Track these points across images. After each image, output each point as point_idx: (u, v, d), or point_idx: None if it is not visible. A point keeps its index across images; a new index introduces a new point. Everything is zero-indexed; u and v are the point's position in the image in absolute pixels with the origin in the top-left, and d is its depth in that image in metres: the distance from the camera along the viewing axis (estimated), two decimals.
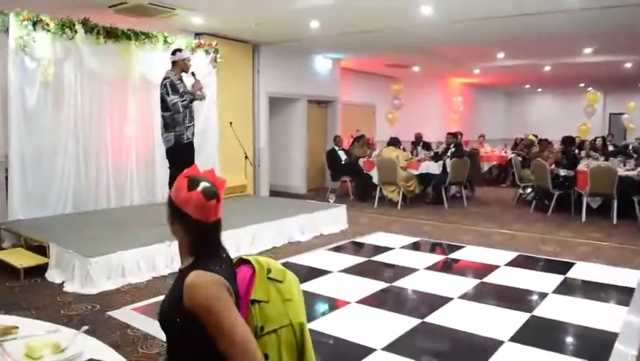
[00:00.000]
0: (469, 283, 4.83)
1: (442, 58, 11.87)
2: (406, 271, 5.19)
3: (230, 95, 9.15)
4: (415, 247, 6.37)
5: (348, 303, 4.25)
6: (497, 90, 19.92)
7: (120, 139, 7.31)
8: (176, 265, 4.94)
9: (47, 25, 6.29)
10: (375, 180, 9.73)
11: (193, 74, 5.87)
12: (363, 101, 14.08)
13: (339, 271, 5.17)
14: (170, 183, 5.79)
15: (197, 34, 8.51)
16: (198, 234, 1.66)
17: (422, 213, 8.79)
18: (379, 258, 5.74)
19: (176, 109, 5.63)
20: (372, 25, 8.07)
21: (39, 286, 4.74)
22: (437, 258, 5.80)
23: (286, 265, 5.66)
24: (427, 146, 11.43)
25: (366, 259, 5.69)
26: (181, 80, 5.80)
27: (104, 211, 6.93)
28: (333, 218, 7.33)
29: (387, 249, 6.16)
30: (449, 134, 10.08)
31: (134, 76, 7.26)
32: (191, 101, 5.75)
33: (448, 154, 9.75)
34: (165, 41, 7.57)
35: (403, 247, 6.25)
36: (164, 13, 7.03)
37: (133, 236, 5.42)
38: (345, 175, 10.49)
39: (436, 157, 10.03)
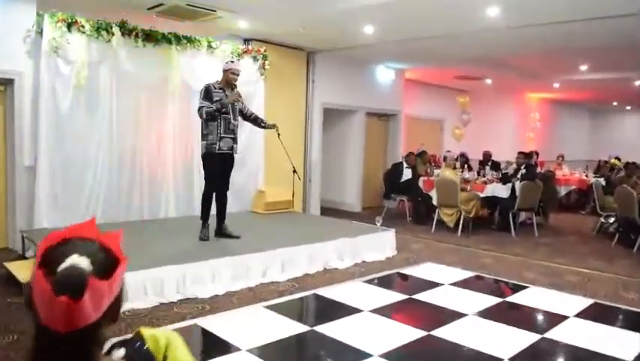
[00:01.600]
0: (527, 338, 3.94)
1: (517, 69, 10.82)
2: (450, 316, 4.36)
3: (280, 104, 8.63)
4: (468, 284, 5.48)
5: (370, 357, 3.50)
6: (580, 107, 18.28)
7: (156, 147, 6.94)
8: (190, 290, 4.40)
9: (82, 26, 6.03)
10: (435, 201, 8.88)
11: (233, 87, 5.58)
12: (429, 116, 13.21)
13: (371, 311, 4.42)
14: (205, 191, 5.70)
15: (247, 40, 8.07)
16: (39, 347, 0.94)
17: (484, 242, 7.84)
18: (422, 296, 4.92)
19: (200, 114, 5.41)
20: (434, 30, 7.29)
21: None
22: (493, 301, 4.90)
23: (313, 297, 5.12)
24: (495, 166, 10.40)
25: (407, 296, 4.89)
26: (223, 90, 5.52)
27: (134, 223, 6.55)
28: (380, 243, 6.58)
29: (434, 285, 5.34)
30: (520, 153, 9.03)
31: (173, 82, 6.88)
32: (217, 111, 5.38)
33: (518, 176, 8.74)
34: (209, 46, 7.17)
35: (453, 284, 5.40)
36: (206, 16, 6.60)
37: (150, 254, 4.96)
38: (402, 194, 9.67)
39: (505, 179, 9.03)
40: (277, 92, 8.53)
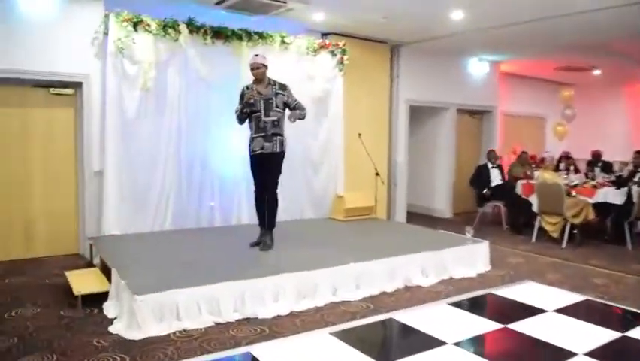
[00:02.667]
0: None
1: (633, 57, 9.46)
2: (555, 356, 3.54)
3: (360, 102, 8.04)
4: (577, 311, 4.55)
5: None
6: None
7: (227, 150, 6.56)
8: (249, 309, 3.92)
9: (149, 25, 5.77)
10: (535, 208, 7.87)
11: (270, 82, 5.34)
12: (529, 112, 12.00)
13: (456, 344, 3.69)
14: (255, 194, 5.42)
15: (324, 34, 7.53)
16: None
17: (594, 256, 6.76)
18: (521, 326, 4.09)
19: (236, 119, 5.30)
20: (532, 12, 6.36)
21: (90, 320, 4.04)
22: (609, 335, 3.97)
23: (388, 323, 4.08)
24: (607, 167, 9.14)
25: (501, 326, 4.09)
26: (255, 87, 5.24)
27: (204, 231, 6.22)
28: (470, 257, 5.78)
29: (535, 311, 4.48)
30: (638, 153, 7.78)
31: (245, 81, 6.44)
32: (242, 112, 5.20)
33: (636, 179, 7.52)
34: (283, 41, 6.71)
35: (559, 311, 4.50)
36: (277, 9, 6.14)
37: (209, 266, 4.56)
38: (497, 199, 8.71)
39: (619, 182, 7.82)
40: (357, 90, 7.92)
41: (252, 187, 6.73)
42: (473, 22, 6.84)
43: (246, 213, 6.70)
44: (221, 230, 6.30)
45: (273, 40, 6.59)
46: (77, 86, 5.84)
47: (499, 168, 9.07)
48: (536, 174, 8.72)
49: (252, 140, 5.21)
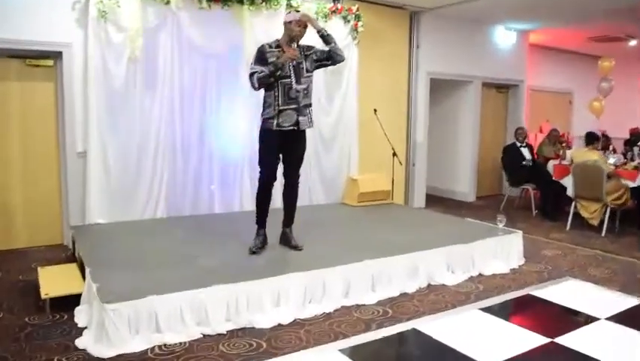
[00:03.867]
0: None
1: None
2: None
3: (376, 74, 7.27)
4: (635, 320, 3.84)
5: None
6: None
7: (228, 128, 5.88)
8: (244, 318, 3.24)
9: None
10: (570, 192, 7.10)
11: (295, 41, 4.21)
12: (555, 87, 11.10)
13: None
14: (258, 184, 4.38)
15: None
16: None
17: (636, 246, 6.04)
18: (571, 341, 3.38)
19: (251, 83, 4.15)
20: None
21: (57, 329, 3.42)
22: None
23: (408, 335, 2.97)
24: None
25: (547, 340, 3.37)
26: (281, 50, 4.13)
27: (202, 218, 5.58)
28: (502, 250, 5.06)
29: (586, 319, 3.76)
30: None
31: (247, 49, 5.73)
32: (271, 75, 4.05)
33: None
34: (289, 5, 5.95)
35: (612, 318, 3.78)
36: None
37: (200, 264, 3.91)
38: (528, 182, 7.94)
39: None
40: (373, 60, 7.16)
41: (257, 169, 6.15)
42: None
43: (250, 199, 6.03)
44: (220, 218, 5.65)
45: (278, 3, 5.84)
46: (57, 56, 5.17)
47: (529, 147, 8.28)
48: (568, 153, 7.94)
49: (280, 113, 4.12)
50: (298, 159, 4.40)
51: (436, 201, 8.64)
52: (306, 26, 4.16)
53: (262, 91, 4.23)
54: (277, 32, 5.78)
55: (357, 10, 6.53)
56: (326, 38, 4.23)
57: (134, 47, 5.11)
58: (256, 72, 4.06)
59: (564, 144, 8.77)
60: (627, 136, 9.81)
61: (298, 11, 4.43)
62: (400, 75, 7.73)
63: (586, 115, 11.86)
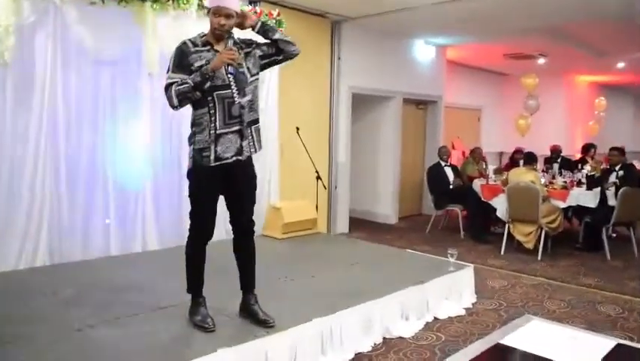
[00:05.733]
0: None
1: (583, 44, 8.68)
2: None
3: (298, 89, 6.53)
4: None
5: None
6: (625, 91, 15.91)
7: (128, 150, 4.84)
8: None
9: None
10: (500, 213, 6.77)
11: (231, 37, 3.07)
12: (466, 103, 11.04)
13: None
14: (188, 240, 3.14)
15: (253, 1, 5.93)
16: None
17: (579, 271, 5.79)
18: None
19: (168, 99, 2.95)
20: None
21: None
22: None
23: None
24: (569, 164, 8.25)
25: None
26: (211, 48, 3.00)
27: (95, 264, 4.46)
28: (454, 287, 4.48)
29: None
30: (614, 149, 6.85)
31: (150, 56, 4.75)
32: (197, 88, 2.87)
33: (613, 180, 6.61)
34: (201, 5, 5.03)
35: None
36: None
37: (91, 338, 2.88)
38: (454, 203, 7.55)
39: (591, 183, 6.90)
40: (294, 73, 6.38)
41: (165, 200, 5.14)
42: None
43: (155, 236, 5.02)
44: (118, 262, 4.55)
45: (187, 2, 4.90)
46: None
47: (453, 167, 7.94)
48: (490, 172, 7.67)
49: (216, 139, 2.95)
50: (248, 197, 3.19)
51: (358, 224, 8.03)
52: (229, 16, 2.95)
53: (180, 112, 3.18)
54: (188, 36, 4.94)
55: (279, 15, 5.75)
56: (267, 27, 3.12)
57: (2, 48, 3.95)
58: (175, 83, 2.92)
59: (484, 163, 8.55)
60: (538, 152, 9.79)
61: None
62: (322, 90, 7.05)
63: (491, 131, 12.02)
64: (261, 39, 3.18)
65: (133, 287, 3.79)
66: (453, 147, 10.19)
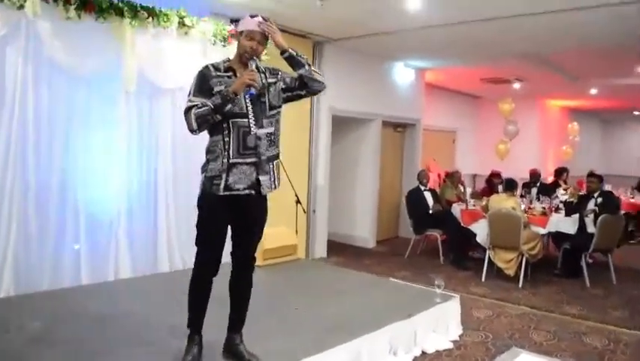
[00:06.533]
0: None
1: (558, 69, 8.81)
2: None
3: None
4: None
5: None
6: (592, 116, 16.29)
7: (101, 173, 4.60)
8: None
9: None
10: (479, 238, 6.71)
11: (254, 61, 2.88)
12: (441, 125, 11.06)
13: None
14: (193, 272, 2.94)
15: (234, 21, 5.77)
16: None
17: (561, 300, 5.78)
18: None
19: (187, 122, 2.80)
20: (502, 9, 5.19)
21: None
22: None
23: None
24: (546, 189, 8.28)
25: None
26: (233, 74, 2.89)
27: (65, 295, 4.18)
28: (441, 318, 4.35)
29: None
30: (593, 176, 6.86)
31: (128, 75, 4.55)
32: (217, 111, 2.73)
33: (592, 207, 6.62)
34: (182, 23, 4.89)
35: None
36: None
37: None
38: (434, 228, 7.46)
39: (569, 209, 6.91)
40: None
41: (140, 225, 4.90)
42: (431, 14, 5.51)
43: (128, 263, 4.76)
44: (90, 292, 4.28)
45: (168, 20, 4.73)
46: None
47: (432, 191, 7.88)
48: (485, 200, 7.62)
49: (230, 169, 2.81)
50: (255, 234, 3.05)
51: (336, 248, 7.86)
52: (265, 39, 2.88)
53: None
54: (167, 55, 4.78)
55: None
56: (295, 59, 2.94)
57: None
58: (195, 106, 2.77)
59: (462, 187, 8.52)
60: (512, 175, 9.80)
61: (255, 16, 2.88)
62: (302, 111, 6.92)
63: (468, 154, 12.09)
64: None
65: (107, 320, 3.56)
66: (429, 170, 10.18)
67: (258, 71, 2.89)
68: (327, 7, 5.21)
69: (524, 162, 10.70)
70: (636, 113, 15.58)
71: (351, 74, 7.55)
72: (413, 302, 4.33)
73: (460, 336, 4.45)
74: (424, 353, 4.02)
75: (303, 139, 6.98)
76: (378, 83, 8.14)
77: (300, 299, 4.36)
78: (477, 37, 6.57)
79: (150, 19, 4.60)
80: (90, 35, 4.29)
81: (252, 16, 2.86)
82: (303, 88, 2.99)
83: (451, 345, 4.23)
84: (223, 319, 3.07)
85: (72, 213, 4.43)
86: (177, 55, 4.82)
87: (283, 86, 2.99)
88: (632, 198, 10.24)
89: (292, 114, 6.66)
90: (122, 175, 4.70)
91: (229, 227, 2.96)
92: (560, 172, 10.09)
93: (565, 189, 8.87)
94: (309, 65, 2.97)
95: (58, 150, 4.34)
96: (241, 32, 2.88)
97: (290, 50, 2.94)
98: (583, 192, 8.10)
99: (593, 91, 10.92)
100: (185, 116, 2.81)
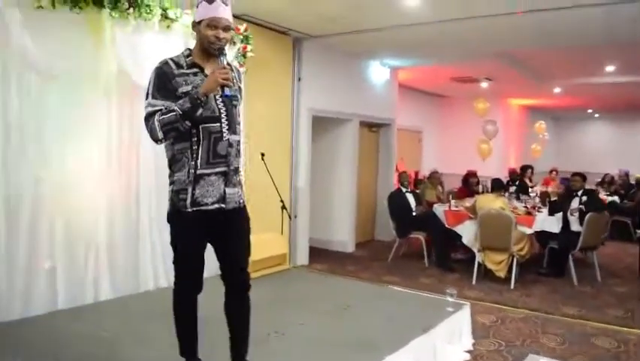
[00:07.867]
0: None
1: (527, 68, 8.86)
2: None
3: (262, 111, 6.03)
4: None
5: None
6: (544, 114, 16.65)
7: (77, 181, 4.11)
8: None
9: None
10: (466, 240, 6.58)
11: (221, 51, 2.47)
12: (408, 125, 10.94)
13: None
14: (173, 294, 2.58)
15: None
16: None
17: (554, 299, 5.75)
18: None
19: (150, 131, 2.41)
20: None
21: None
22: None
23: None
24: (525, 189, 8.26)
25: None
26: (198, 70, 2.51)
27: (38, 322, 3.68)
28: (454, 329, 4.12)
29: None
30: (577, 175, 6.84)
31: (106, 71, 4.09)
32: (187, 115, 2.35)
33: (576, 206, 6.59)
34: (165, 16, 4.45)
35: None
36: None
37: None
38: (418, 230, 7.26)
39: (553, 208, 6.87)
40: (260, 92, 5.91)
41: (120, 242, 4.43)
42: (428, 10, 5.29)
43: (108, 283, 4.29)
44: (67, 318, 3.80)
45: (150, 11, 4.28)
46: None
47: (414, 193, 7.69)
48: (472, 200, 7.50)
49: (195, 180, 2.46)
50: (239, 247, 2.65)
51: (315, 254, 7.53)
52: (228, 28, 2.48)
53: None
54: (149, 50, 4.34)
55: (247, 30, 5.25)
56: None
57: None
58: (159, 111, 2.39)
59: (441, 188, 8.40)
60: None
61: (211, 2, 2.44)
62: (284, 111, 6.59)
63: (432, 153, 12.06)
64: None
65: (89, 349, 3.11)
66: (397, 169, 10.03)
67: (230, 68, 2.51)
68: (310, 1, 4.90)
69: (490, 160, 10.70)
70: (589, 111, 16.08)
71: (329, 72, 7.27)
72: (425, 313, 4.09)
73: (473, 346, 4.24)
74: None
75: (285, 140, 6.64)
76: (355, 82, 7.89)
77: (305, 314, 4.03)
78: (456, 35, 6.41)
79: (131, 10, 4.14)
80: (65, 27, 3.79)
81: (210, 2, 2.43)
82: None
83: (467, 356, 4.03)
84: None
85: (47, 226, 3.91)
86: (159, 49, 4.35)
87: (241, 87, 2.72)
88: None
89: (274, 113, 6.36)
90: (100, 185, 4.23)
91: (207, 242, 2.63)
92: (524, 169, 10.20)
93: (532, 187, 8.99)
94: None
95: (30, 155, 3.79)
96: (199, 22, 2.47)
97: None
98: (549, 189, 8.18)
99: (557, 90, 11.07)
100: (146, 123, 2.42)
